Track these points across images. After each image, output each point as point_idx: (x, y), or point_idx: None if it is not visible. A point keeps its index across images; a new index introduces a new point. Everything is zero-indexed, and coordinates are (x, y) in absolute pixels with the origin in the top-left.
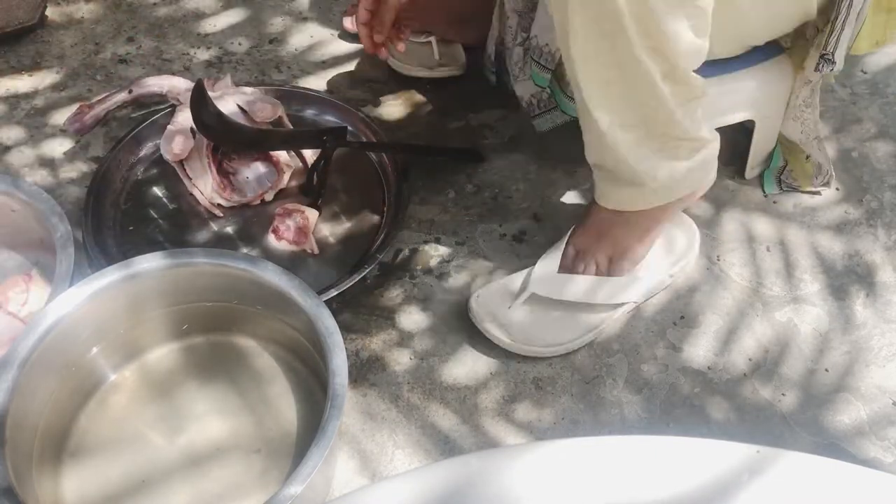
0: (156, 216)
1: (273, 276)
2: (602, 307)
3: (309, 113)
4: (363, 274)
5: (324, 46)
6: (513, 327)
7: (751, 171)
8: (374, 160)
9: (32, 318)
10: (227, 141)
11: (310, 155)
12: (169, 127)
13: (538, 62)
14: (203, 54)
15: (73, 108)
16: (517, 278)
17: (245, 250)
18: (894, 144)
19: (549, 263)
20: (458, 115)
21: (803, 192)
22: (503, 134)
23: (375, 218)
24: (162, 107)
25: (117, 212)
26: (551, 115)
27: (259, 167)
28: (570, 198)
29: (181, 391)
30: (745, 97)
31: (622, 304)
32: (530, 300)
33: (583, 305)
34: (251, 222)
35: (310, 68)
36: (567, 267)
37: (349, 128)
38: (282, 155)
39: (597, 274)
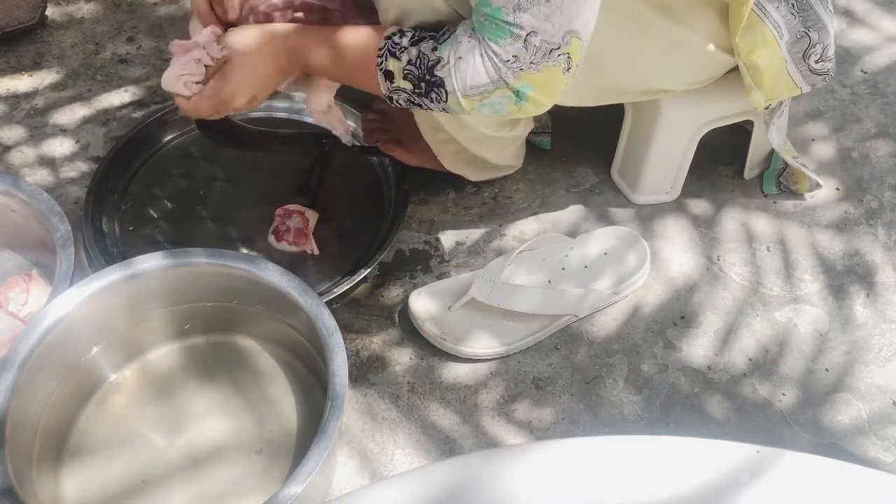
0: (156, 216)
1: (273, 276)
2: (541, 317)
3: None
4: (363, 274)
5: None
6: (450, 327)
7: (750, 171)
8: (374, 161)
9: (32, 318)
10: (227, 141)
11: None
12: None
13: None
14: None
15: (74, 107)
16: (462, 280)
17: (245, 251)
18: (894, 144)
19: (494, 270)
20: None
21: (800, 194)
22: None
23: (375, 218)
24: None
25: (117, 212)
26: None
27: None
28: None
29: (181, 391)
30: (741, 98)
31: (562, 315)
32: (470, 304)
33: (521, 314)
34: (251, 223)
35: None
36: None
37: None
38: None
39: None
